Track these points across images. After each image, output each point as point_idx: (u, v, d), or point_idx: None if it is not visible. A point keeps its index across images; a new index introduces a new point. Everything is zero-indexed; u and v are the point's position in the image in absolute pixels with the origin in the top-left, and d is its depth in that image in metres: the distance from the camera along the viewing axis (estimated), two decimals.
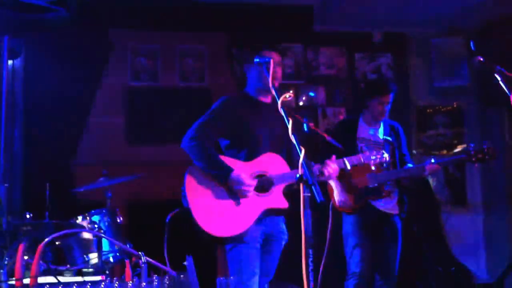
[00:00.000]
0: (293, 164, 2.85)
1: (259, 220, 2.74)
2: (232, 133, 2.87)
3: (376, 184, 3.47)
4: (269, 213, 2.77)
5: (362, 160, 3.00)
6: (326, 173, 2.81)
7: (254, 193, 2.74)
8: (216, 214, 2.67)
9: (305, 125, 2.99)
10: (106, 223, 3.13)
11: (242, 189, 2.68)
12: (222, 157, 2.81)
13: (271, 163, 2.82)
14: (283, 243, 2.91)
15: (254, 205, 2.73)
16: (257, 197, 2.74)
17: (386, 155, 3.08)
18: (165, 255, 2.83)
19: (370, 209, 3.50)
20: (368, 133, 3.67)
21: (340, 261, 3.63)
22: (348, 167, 2.93)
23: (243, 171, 2.74)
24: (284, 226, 2.93)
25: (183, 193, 2.71)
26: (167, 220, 2.91)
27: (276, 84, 2.80)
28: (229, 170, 2.70)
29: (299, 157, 2.92)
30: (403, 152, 3.71)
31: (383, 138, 3.62)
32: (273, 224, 2.85)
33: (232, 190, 2.70)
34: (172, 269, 2.19)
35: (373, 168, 3.31)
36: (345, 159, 2.93)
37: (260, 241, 2.78)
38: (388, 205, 3.53)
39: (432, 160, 3.44)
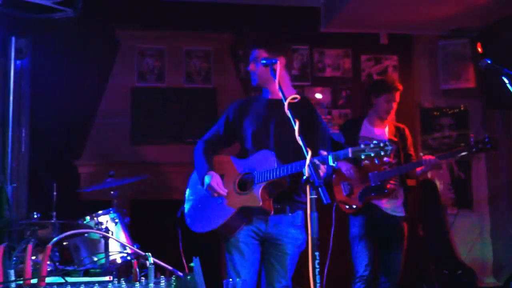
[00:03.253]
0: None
1: (249, 220, 2.73)
2: (237, 134, 2.91)
3: (378, 183, 3.49)
4: (250, 213, 2.72)
5: (364, 148, 2.54)
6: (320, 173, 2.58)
7: (235, 192, 2.75)
8: (199, 210, 2.82)
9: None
10: (113, 224, 3.13)
11: (215, 189, 2.74)
12: (222, 157, 2.89)
13: (262, 161, 2.74)
14: (291, 247, 2.74)
15: (230, 202, 2.75)
16: (236, 194, 2.74)
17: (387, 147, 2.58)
18: (180, 249, 2.84)
19: (376, 211, 3.53)
20: (372, 132, 3.66)
21: (345, 263, 3.63)
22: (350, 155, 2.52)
23: (233, 170, 2.79)
24: (294, 230, 2.75)
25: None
26: (178, 215, 2.91)
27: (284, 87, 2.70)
28: (204, 171, 2.79)
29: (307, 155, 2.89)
30: (410, 153, 3.72)
31: (388, 138, 3.61)
32: (274, 225, 2.73)
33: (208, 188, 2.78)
34: (178, 270, 2.19)
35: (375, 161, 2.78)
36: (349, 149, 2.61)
37: (247, 240, 2.76)
38: (394, 207, 3.55)
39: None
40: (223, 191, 2.73)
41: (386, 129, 3.71)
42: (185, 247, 2.83)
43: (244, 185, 2.74)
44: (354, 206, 3.54)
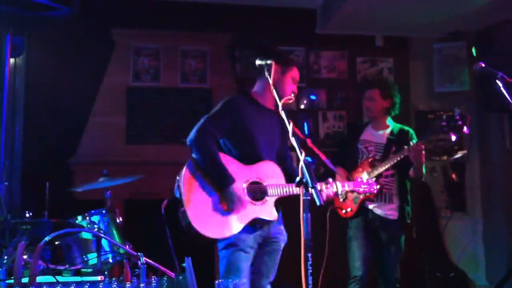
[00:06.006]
0: (284, 169, 2.90)
1: (254, 227, 2.75)
2: (233, 134, 2.83)
3: None
4: (261, 223, 2.77)
5: (353, 187, 3.09)
6: (325, 197, 2.89)
7: (248, 200, 2.73)
8: (207, 213, 2.65)
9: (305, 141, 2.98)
10: (106, 223, 3.12)
11: (234, 206, 2.67)
12: (222, 156, 2.75)
13: (269, 173, 2.82)
14: (282, 244, 2.92)
15: (245, 212, 2.71)
16: (250, 204, 2.74)
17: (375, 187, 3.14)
18: (171, 247, 2.83)
19: (369, 214, 3.54)
20: (372, 135, 3.65)
21: (341, 264, 3.64)
22: (340, 190, 2.98)
23: (239, 175, 2.73)
24: (282, 227, 2.94)
25: (177, 183, 2.69)
26: (162, 212, 2.87)
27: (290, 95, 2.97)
28: (229, 181, 2.68)
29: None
30: None
31: (386, 140, 3.58)
32: (270, 226, 2.84)
33: (225, 199, 2.68)
34: (170, 270, 2.19)
35: (361, 196, 3.43)
36: (337, 182, 2.97)
37: (254, 245, 2.79)
38: (386, 210, 3.53)
39: (414, 141, 3.36)
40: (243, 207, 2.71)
41: (387, 130, 3.63)
42: (178, 247, 2.83)
43: (255, 195, 2.76)
44: (349, 209, 3.55)
